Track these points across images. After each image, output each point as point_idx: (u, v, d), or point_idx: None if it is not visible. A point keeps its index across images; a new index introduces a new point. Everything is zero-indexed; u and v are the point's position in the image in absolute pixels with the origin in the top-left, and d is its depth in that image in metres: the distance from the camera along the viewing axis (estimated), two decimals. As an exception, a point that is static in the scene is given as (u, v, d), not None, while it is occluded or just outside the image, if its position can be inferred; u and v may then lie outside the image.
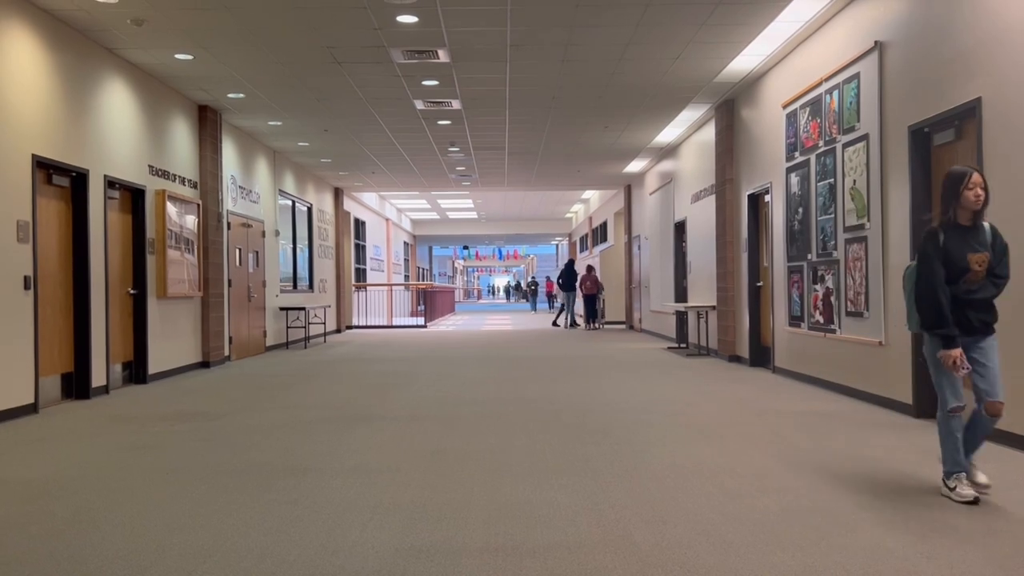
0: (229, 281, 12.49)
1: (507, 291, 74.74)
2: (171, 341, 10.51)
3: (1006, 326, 5.41)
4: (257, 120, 12.68)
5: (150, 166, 10.04)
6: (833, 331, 8.18)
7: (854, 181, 7.70)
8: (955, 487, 4.10)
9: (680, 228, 15.05)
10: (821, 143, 8.42)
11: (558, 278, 23.26)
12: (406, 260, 35.31)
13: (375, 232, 26.55)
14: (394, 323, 24.86)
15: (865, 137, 7.45)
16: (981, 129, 5.64)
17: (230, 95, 11.09)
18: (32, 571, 3.25)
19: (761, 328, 10.78)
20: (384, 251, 28.45)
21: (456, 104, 11.83)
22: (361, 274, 24.21)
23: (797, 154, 9.08)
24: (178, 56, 9.26)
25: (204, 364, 11.53)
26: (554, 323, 23.00)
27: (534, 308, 40.55)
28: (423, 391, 8.62)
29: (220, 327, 11.95)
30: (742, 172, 11.25)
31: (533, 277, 49.26)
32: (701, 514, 3.91)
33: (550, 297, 42.26)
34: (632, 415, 6.89)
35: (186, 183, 11.13)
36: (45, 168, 7.84)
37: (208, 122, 11.68)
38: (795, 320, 9.22)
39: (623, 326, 21.80)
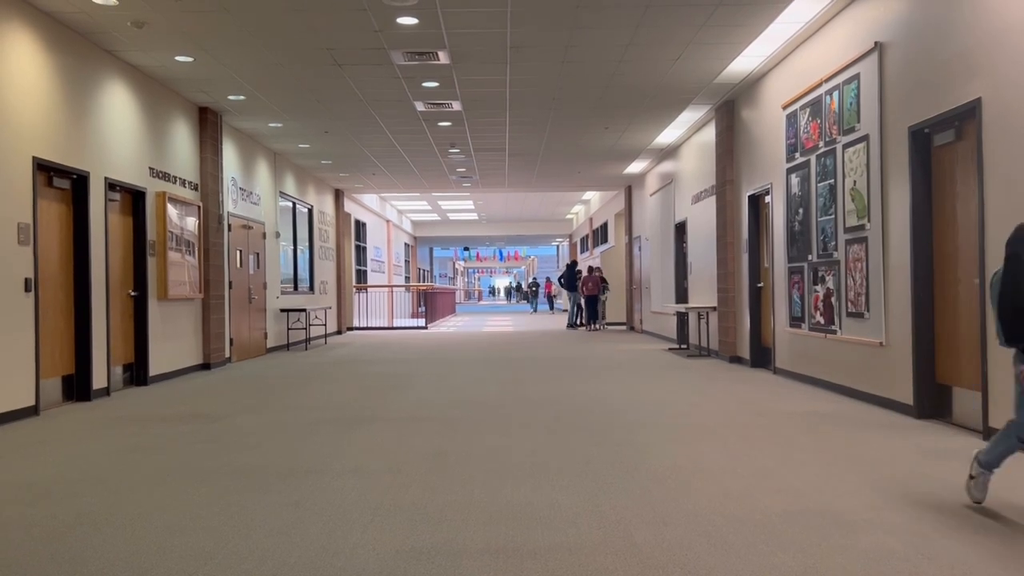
0: (230, 283, 12.49)
1: (508, 292, 74.69)
2: (172, 343, 10.52)
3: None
4: (257, 122, 12.69)
5: (151, 168, 10.05)
6: (834, 332, 8.18)
7: (854, 182, 7.70)
8: (976, 478, 3.97)
9: (681, 229, 15.05)
10: (821, 144, 8.42)
11: (560, 278, 23.22)
12: (407, 261, 35.31)
13: (376, 233, 26.56)
14: (395, 324, 24.86)
15: (865, 138, 7.45)
16: (981, 130, 5.64)
17: (230, 97, 11.10)
18: (34, 573, 3.25)
19: (762, 329, 10.78)
20: (385, 252, 28.45)
21: (456, 105, 11.84)
22: (362, 275, 24.22)
23: (797, 155, 9.08)
24: (178, 58, 9.27)
25: (205, 366, 11.54)
26: (579, 325, 22.12)
27: (534, 309, 40.56)
28: (424, 392, 8.62)
29: (221, 329, 11.96)
30: (742, 173, 11.26)
31: (534, 278, 49.26)
32: (702, 515, 3.92)
33: (550, 298, 42.25)
34: (633, 416, 6.89)
35: (187, 185, 11.14)
36: (46, 170, 7.85)
37: (208, 124, 11.69)
38: (796, 321, 9.21)
39: (624, 327, 21.79)
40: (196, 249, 11.17)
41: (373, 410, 7.43)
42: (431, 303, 25.12)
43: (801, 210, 8.99)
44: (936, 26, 6.22)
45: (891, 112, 6.99)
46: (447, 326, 24.36)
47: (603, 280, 21.15)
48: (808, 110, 8.76)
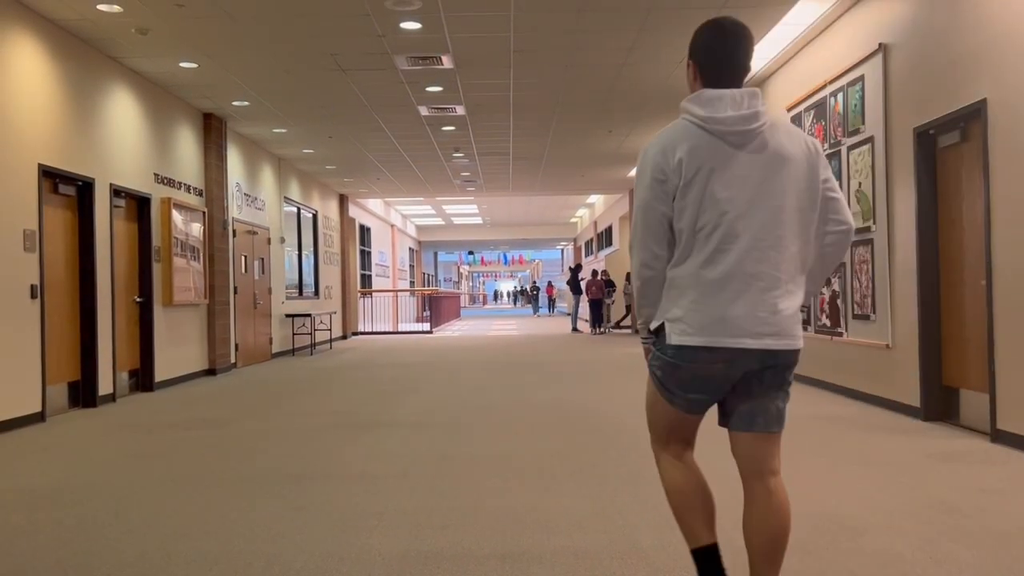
0: (235, 288, 12.51)
1: (514, 297, 74.56)
2: (177, 349, 10.53)
3: (1005, 325, 5.39)
4: (262, 127, 12.71)
5: (155, 174, 10.07)
6: (840, 334, 8.16)
7: (859, 184, 7.68)
8: None
9: (685, 232, 15.01)
10: (826, 146, 8.41)
11: (567, 282, 23.27)
12: (411, 266, 35.33)
13: (380, 238, 26.58)
14: (400, 329, 24.88)
15: (870, 140, 7.43)
16: (987, 131, 5.62)
17: (235, 103, 11.12)
18: (39, 580, 3.25)
19: (767, 332, 10.74)
20: (389, 257, 28.47)
21: (460, 110, 11.85)
22: (366, 280, 24.23)
23: (802, 157, 9.05)
24: (183, 64, 9.29)
25: (210, 371, 11.55)
26: (596, 328, 21.25)
27: (535, 312, 40.60)
28: (429, 397, 8.61)
29: (226, 334, 11.97)
30: (747, 175, 11.22)
31: (535, 282, 49.33)
32: (709, 519, 3.90)
33: (551, 301, 42.30)
34: (638, 419, 6.87)
35: (191, 191, 11.16)
36: (51, 177, 7.87)
37: (213, 130, 11.71)
38: (802, 323, 9.18)
39: (628, 331, 21.77)
40: (201, 255, 11.19)
41: (378, 415, 7.43)
42: (436, 307, 25.13)
43: (806, 212, 8.96)
44: (941, 27, 6.21)
45: (896, 114, 6.97)
46: (452, 330, 24.36)
47: (608, 284, 21.13)
48: (812, 112, 8.75)
